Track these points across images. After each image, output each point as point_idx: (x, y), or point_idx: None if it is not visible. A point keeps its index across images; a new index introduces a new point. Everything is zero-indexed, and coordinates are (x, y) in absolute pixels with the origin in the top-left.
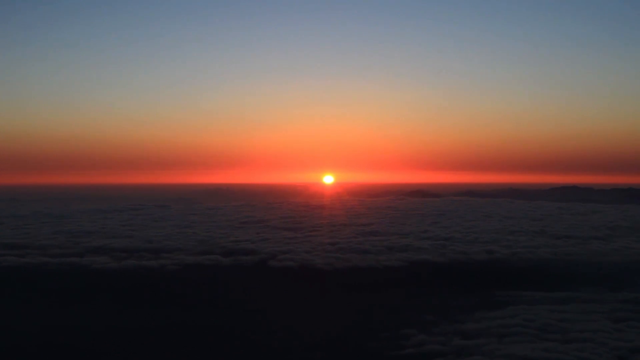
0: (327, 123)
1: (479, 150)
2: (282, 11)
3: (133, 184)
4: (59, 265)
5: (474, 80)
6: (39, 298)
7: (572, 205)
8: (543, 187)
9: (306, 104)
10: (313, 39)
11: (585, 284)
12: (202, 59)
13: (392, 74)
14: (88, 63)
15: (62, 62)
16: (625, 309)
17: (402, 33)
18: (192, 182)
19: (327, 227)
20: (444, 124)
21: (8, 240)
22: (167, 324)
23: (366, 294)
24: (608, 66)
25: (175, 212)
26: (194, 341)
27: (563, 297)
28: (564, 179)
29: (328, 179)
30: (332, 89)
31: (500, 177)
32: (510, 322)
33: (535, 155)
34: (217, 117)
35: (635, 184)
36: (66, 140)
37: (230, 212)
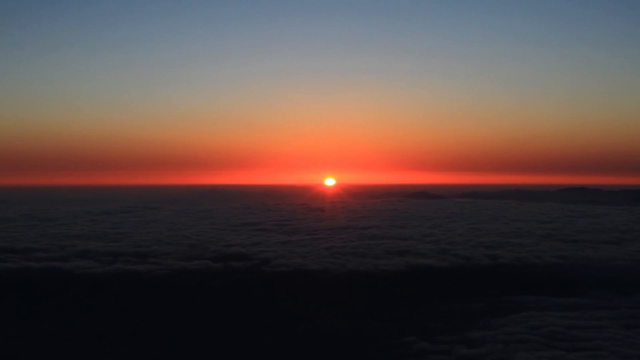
0: (328, 124)
1: (484, 150)
2: (282, 13)
3: (125, 185)
4: (41, 270)
5: (477, 79)
6: (17, 304)
7: (581, 207)
8: (550, 188)
9: (307, 105)
10: (314, 41)
11: (595, 289)
12: (201, 60)
13: (394, 75)
14: (82, 61)
15: (55, 61)
16: (637, 316)
17: (404, 34)
18: (187, 183)
19: (325, 230)
20: (447, 124)
21: None
22: (152, 331)
23: (364, 300)
24: (614, 65)
25: (167, 214)
26: (181, 348)
27: (572, 303)
28: (571, 180)
29: (329, 181)
30: (334, 89)
31: (505, 178)
32: (516, 330)
33: (541, 156)
34: (213, 118)
35: None
36: (57, 140)
37: (224, 214)
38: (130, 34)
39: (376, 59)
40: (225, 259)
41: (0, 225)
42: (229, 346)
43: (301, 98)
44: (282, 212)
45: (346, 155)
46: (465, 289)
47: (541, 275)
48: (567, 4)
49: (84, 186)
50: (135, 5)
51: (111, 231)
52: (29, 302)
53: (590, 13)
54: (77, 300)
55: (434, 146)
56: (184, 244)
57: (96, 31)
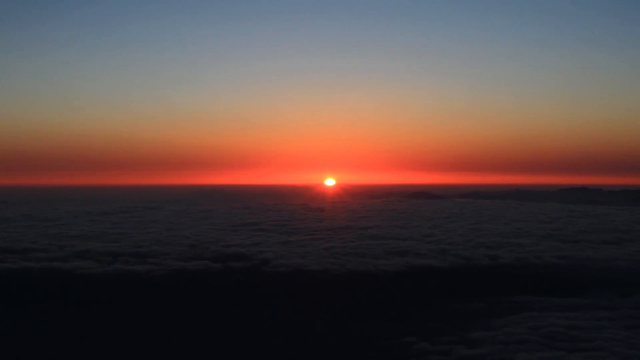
0: (328, 124)
1: (484, 150)
2: (282, 14)
3: (125, 185)
4: (41, 270)
5: (477, 79)
6: (17, 305)
7: (581, 208)
8: (550, 188)
9: (307, 105)
10: (314, 41)
11: (595, 289)
12: (201, 60)
13: (394, 75)
14: (82, 61)
15: (55, 61)
16: (637, 316)
17: (404, 34)
18: (187, 183)
19: (325, 231)
20: (447, 124)
21: None
22: (152, 331)
23: (364, 301)
24: (614, 65)
25: (167, 214)
26: (181, 349)
27: (572, 303)
28: (571, 180)
29: (329, 181)
30: (335, 89)
31: (505, 178)
32: (517, 330)
33: (541, 156)
34: (213, 118)
35: None
36: (57, 140)
37: (224, 214)
38: (131, 34)
39: (376, 59)
40: (224, 259)
41: (0, 225)
42: (228, 346)
43: (301, 98)
44: (282, 212)
45: (346, 155)
46: (466, 289)
47: (541, 276)
48: (569, 3)
49: (84, 186)
50: (134, 6)
51: (111, 231)
52: (28, 303)
53: (592, 13)
54: (77, 301)
55: (434, 146)
56: (184, 244)
57: (96, 31)
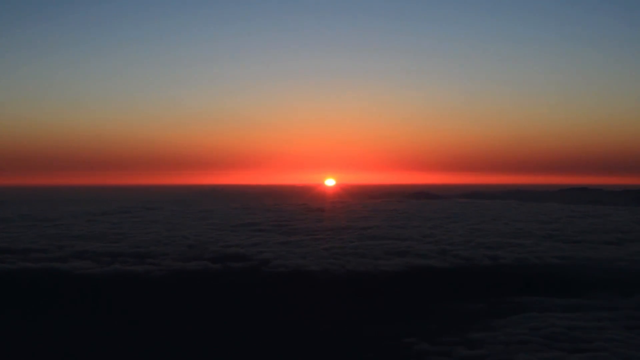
0: (328, 124)
1: (484, 150)
2: (282, 15)
3: (125, 185)
4: (40, 270)
5: (478, 79)
6: (15, 305)
7: (582, 208)
8: (551, 188)
9: (307, 105)
10: (313, 42)
11: (596, 290)
12: (202, 61)
13: (394, 75)
14: (83, 61)
15: (55, 61)
16: (638, 317)
17: (404, 34)
18: (187, 183)
19: (324, 231)
20: (447, 124)
21: None
22: (150, 331)
23: (364, 301)
24: (615, 65)
25: (167, 214)
26: (180, 349)
27: (573, 304)
28: (571, 180)
29: (329, 181)
30: (334, 90)
31: (506, 178)
32: (517, 331)
33: (542, 156)
34: (214, 118)
35: None
36: (57, 140)
37: (223, 215)
38: (132, 34)
39: (376, 59)
40: (224, 259)
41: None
42: (228, 347)
43: (301, 98)
44: (281, 212)
45: (346, 155)
46: (466, 289)
47: (542, 276)
48: (568, 3)
49: (84, 186)
50: (136, 6)
51: (110, 232)
52: (27, 303)
53: (591, 13)
54: (76, 301)
55: (434, 146)
56: (183, 244)
57: (96, 31)
